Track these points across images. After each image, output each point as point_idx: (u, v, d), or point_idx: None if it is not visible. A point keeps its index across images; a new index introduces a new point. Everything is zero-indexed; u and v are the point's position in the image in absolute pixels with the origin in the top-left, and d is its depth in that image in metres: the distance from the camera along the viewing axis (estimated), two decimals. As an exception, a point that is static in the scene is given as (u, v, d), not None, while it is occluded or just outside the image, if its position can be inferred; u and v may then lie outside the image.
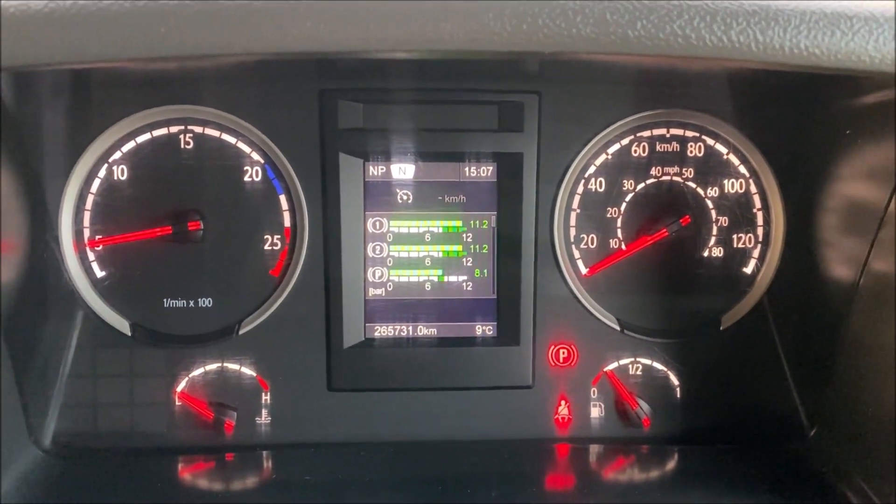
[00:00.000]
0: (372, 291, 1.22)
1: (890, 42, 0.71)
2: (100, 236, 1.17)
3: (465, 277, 1.23)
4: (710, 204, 1.23)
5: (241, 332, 1.20)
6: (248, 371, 1.21)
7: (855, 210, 1.08)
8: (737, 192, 1.23)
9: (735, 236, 1.24)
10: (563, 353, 1.24)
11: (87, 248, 1.18)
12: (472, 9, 0.70)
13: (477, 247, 1.23)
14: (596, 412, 1.25)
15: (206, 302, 1.20)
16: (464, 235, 1.22)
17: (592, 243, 1.23)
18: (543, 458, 1.20)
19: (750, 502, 1.00)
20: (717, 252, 1.24)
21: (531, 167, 1.20)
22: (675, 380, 1.25)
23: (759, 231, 1.24)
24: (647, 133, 1.22)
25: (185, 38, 0.69)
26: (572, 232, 1.23)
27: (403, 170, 1.21)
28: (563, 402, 1.24)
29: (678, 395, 1.25)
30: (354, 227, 1.20)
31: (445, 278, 1.23)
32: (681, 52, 0.70)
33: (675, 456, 1.16)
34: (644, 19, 0.70)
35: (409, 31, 0.70)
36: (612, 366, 1.25)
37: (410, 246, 1.22)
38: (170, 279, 1.19)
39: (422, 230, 1.22)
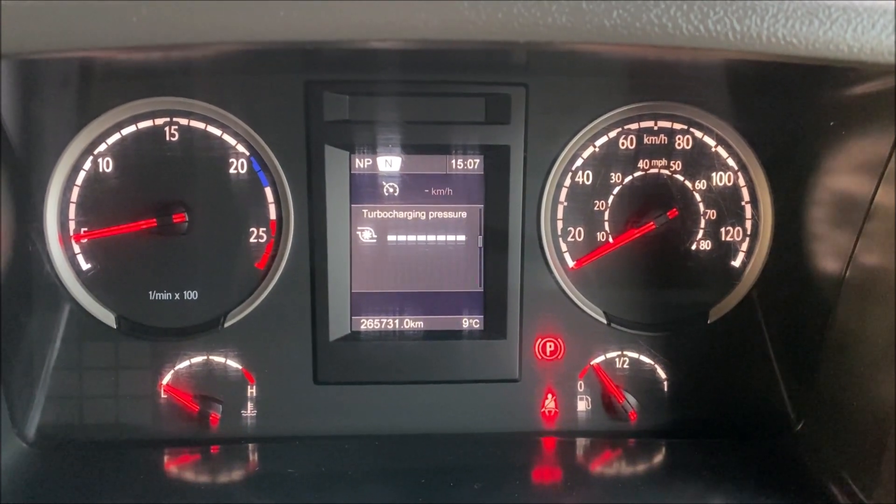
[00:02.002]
0: (358, 284, 1.22)
1: (868, 31, 0.70)
2: (85, 229, 1.17)
3: (451, 270, 1.23)
4: (697, 197, 1.23)
5: (226, 324, 1.20)
6: (233, 364, 1.20)
7: (842, 203, 1.08)
8: (725, 184, 1.23)
9: (723, 229, 1.23)
10: (550, 346, 1.23)
11: (73, 241, 1.18)
12: (448, -3, 0.69)
13: (463, 240, 1.22)
14: (582, 405, 1.25)
15: (192, 294, 1.20)
16: (450, 228, 1.22)
17: (579, 236, 1.23)
18: (530, 451, 1.20)
19: (736, 496, 0.99)
20: (705, 245, 1.23)
21: (518, 160, 1.19)
22: (662, 373, 1.25)
23: (748, 224, 1.23)
24: (634, 125, 1.22)
25: (158, 28, 0.69)
26: (559, 225, 1.23)
27: (390, 162, 1.21)
28: (549, 396, 1.24)
29: (665, 389, 1.25)
30: (340, 219, 1.20)
31: (432, 271, 1.22)
32: (657, 42, 0.70)
33: (662, 449, 1.16)
34: (620, 8, 0.69)
35: (384, 20, 0.69)
36: (599, 359, 1.24)
37: (397, 239, 1.22)
38: (155, 272, 1.19)
39: (408, 223, 1.22)
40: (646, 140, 1.22)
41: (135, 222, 1.15)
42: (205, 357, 1.20)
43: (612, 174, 1.22)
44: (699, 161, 1.22)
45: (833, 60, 0.71)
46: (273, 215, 1.19)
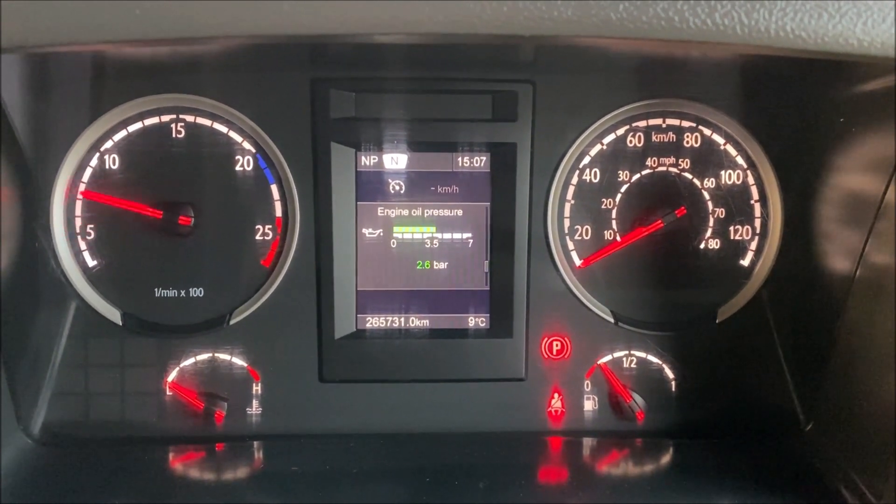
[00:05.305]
0: (363, 282, 1.22)
1: (879, 25, 0.69)
2: (91, 225, 1.17)
3: (457, 268, 1.22)
4: (706, 195, 1.22)
5: (231, 322, 1.19)
6: (238, 361, 1.20)
7: (852, 201, 1.07)
8: (734, 183, 1.22)
9: (732, 228, 1.22)
10: (557, 345, 1.23)
11: (79, 238, 1.18)
12: (452, -9, 0.69)
13: (470, 238, 1.22)
14: (589, 405, 1.24)
15: (198, 292, 1.19)
16: (456, 226, 1.21)
17: (587, 235, 1.22)
18: (536, 450, 1.19)
19: (744, 497, 0.99)
20: (714, 244, 1.22)
21: (525, 157, 1.19)
22: (669, 373, 1.24)
23: (757, 223, 1.22)
24: (642, 123, 1.21)
25: (161, 21, 0.68)
26: (566, 223, 1.22)
27: (396, 159, 1.20)
28: (556, 395, 1.23)
29: (673, 389, 1.24)
30: (346, 217, 1.19)
31: (437, 269, 1.22)
32: (664, 36, 0.69)
33: (670, 450, 1.15)
34: (627, 2, 0.68)
35: (388, 14, 0.69)
36: (606, 358, 1.23)
37: (402, 237, 1.21)
38: (161, 269, 1.19)
39: (414, 221, 1.21)
40: (654, 138, 1.21)
41: (143, 205, 1.15)
42: (210, 354, 1.20)
43: (620, 172, 1.21)
44: (708, 159, 1.21)
45: (842, 55, 0.70)
46: (279, 212, 1.19)
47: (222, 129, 1.18)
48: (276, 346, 1.20)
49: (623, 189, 1.21)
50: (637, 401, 1.21)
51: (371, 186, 1.20)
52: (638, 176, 1.21)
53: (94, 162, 1.17)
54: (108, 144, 1.17)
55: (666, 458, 1.13)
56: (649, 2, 0.69)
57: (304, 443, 1.16)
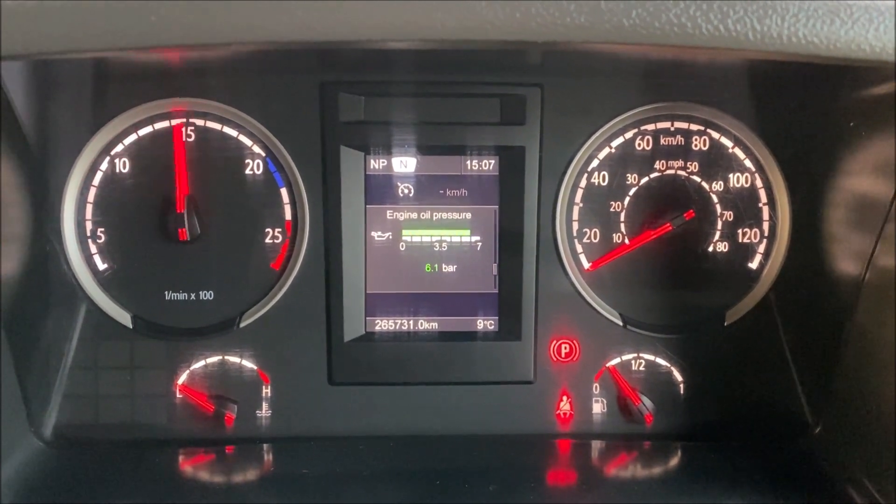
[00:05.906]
0: (372, 285, 1.22)
1: (890, 31, 0.70)
2: (101, 229, 1.18)
3: (466, 271, 1.22)
4: (714, 198, 1.22)
5: (241, 324, 1.20)
6: (248, 364, 1.21)
7: (861, 204, 1.07)
8: (742, 186, 1.22)
9: (740, 231, 1.22)
10: (565, 348, 1.23)
11: (89, 241, 1.18)
12: (465, -3, 0.69)
13: (478, 241, 1.22)
14: (598, 408, 1.24)
15: (208, 295, 1.20)
16: (465, 229, 1.22)
17: (595, 238, 1.22)
18: (544, 453, 1.19)
19: (753, 500, 0.99)
20: (722, 247, 1.22)
21: (533, 161, 1.19)
22: (678, 376, 1.24)
23: (765, 226, 1.22)
24: (651, 126, 1.21)
25: (174, 28, 0.69)
26: (575, 226, 1.22)
27: (405, 163, 1.21)
28: (564, 398, 1.23)
29: (681, 392, 1.24)
30: (355, 220, 1.20)
31: (446, 271, 1.22)
32: (677, 42, 0.69)
33: (678, 452, 1.15)
34: (639, 8, 0.69)
35: (401, 19, 0.69)
36: (615, 361, 1.23)
37: (411, 240, 1.22)
38: (171, 272, 1.19)
39: (423, 224, 1.21)
40: (662, 141, 1.21)
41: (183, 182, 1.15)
42: (220, 357, 1.20)
43: (629, 175, 1.21)
44: (716, 162, 1.21)
45: (855, 60, 0.70)
46: (289, 216, 1.19)
47: (232, 132, 1.18)
48: (285, 349, 1.20)
49: (631, 192, 1.22)
50: (645, 403, 1.21)
51: (380, 190, 1.21)
52: (646, 179, 1.21)
53: (104, 166, 1.17)
54: (119, 148, 1.17)
55: (674, 461, 1.13)
56: (662, 5, 0.69)
57: (313, 445, 1.16)
